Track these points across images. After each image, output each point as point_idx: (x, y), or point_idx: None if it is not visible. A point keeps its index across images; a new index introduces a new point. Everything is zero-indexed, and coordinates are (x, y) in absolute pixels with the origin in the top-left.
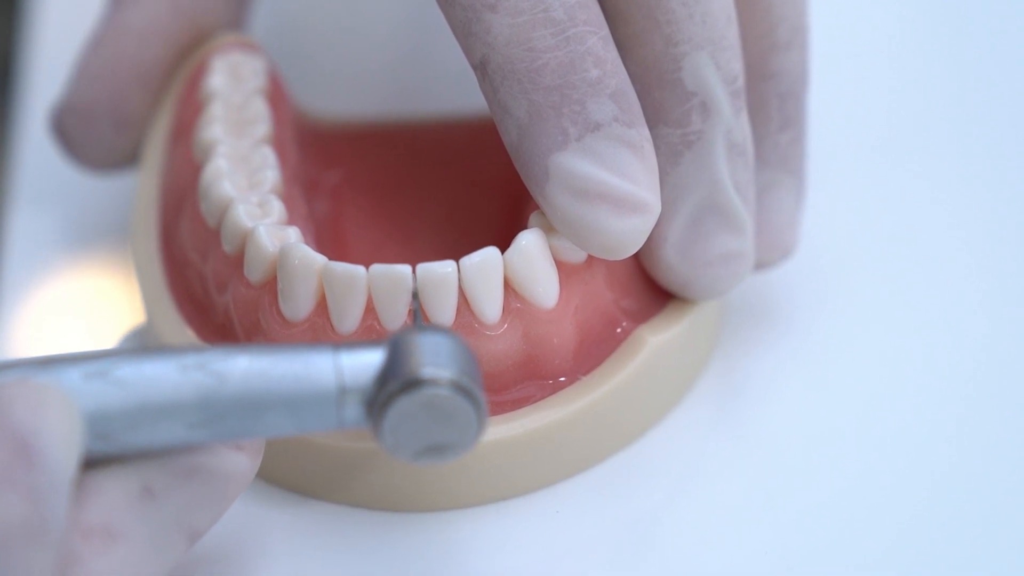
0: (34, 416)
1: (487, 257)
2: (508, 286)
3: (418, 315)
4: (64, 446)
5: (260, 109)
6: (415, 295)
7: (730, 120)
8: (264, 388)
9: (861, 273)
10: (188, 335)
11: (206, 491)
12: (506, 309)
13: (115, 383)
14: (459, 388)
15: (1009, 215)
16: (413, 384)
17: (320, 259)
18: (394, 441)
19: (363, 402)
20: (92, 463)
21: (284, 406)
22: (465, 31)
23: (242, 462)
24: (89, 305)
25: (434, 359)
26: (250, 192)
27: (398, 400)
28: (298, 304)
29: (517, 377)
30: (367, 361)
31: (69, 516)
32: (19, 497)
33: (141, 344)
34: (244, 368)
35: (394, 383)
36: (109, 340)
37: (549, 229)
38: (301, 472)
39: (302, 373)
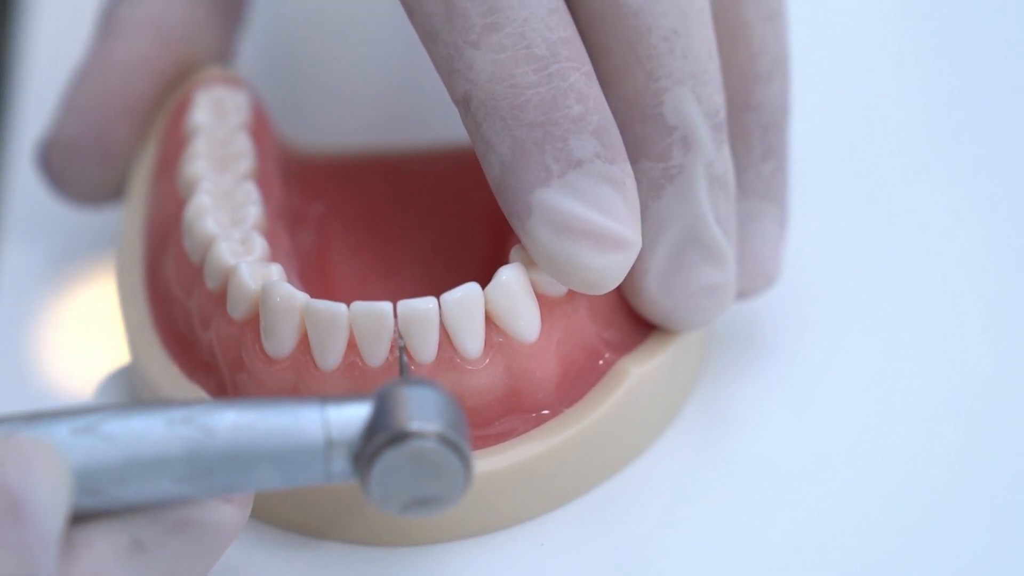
0: (22, 472)
1: (468, 293)
2: (490, 321)
3: (404, 364)
4: (53, 502)
5: (243, 144)
6: (399, 333)
7: (711, 153)
8: (251, 442)
9: (844, 301)
10: (173, 371)
11: (196, 544)
12: (488, 344)
13: (103, 438)
14: (446, 441)
15: (990, 243)
16: (400, 437)
17: (302, 297)
18: (381, 494)
19: (350, 456)
20: (81, 518)
21: (271, 460)
22: (447, 67)
23: (231, 514)
24: (75, 339)
25: (421, 412)
26: (233, 228)
27: (385, 453)
28: (281, 342)
29: (500, 411)
30: (354, 415)
31: (59, 571)
32: (9, 554)
33: (126, 381)
34: (231, 422)
35: (381, 436)
36: (96, 374)
37: (530, 263)
38: (288, 510)
39: (289, 427)
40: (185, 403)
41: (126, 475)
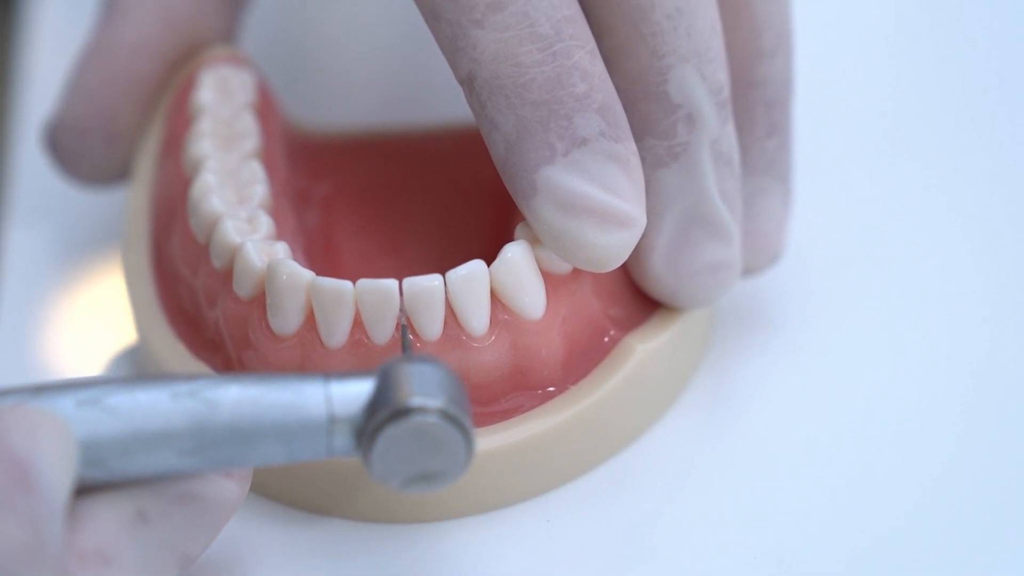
0: (30, 441)
1: (473, 270)
2: (495, 298)
3: (406, 341)
4: (60, 472)
5: (249, 123)
6: (403, 309)
7: (716, 131)
8: (255, 417)
9: (849, 278)
10: (179, 349)
11: (198, 517)
12: (493, 321)
13: (108, 411)
14: (447, 416)
15: (996, 219)
16: (402, 413)
17: (308, 274)
18: (383, 469)
19: (353, 431)
20: (85, 489)
21: (275, 435)
22: (452, 46)
23: (231, 489)
24: (82, 319)
25: (422, 388)
26: (239, 207)
27: (387, 429)
28: (287, 319)
29: (506, 388)
30: (357, 390)
31: (64, 541)
32: (18, 522)
33: (133, 360)
34: (235, 397)
35: (383, 412)
36: (102, 353)
37: (535, 240)
38: (292, 486)
39: (293, 402)
40: (190, 377)
41: (130, 448)
